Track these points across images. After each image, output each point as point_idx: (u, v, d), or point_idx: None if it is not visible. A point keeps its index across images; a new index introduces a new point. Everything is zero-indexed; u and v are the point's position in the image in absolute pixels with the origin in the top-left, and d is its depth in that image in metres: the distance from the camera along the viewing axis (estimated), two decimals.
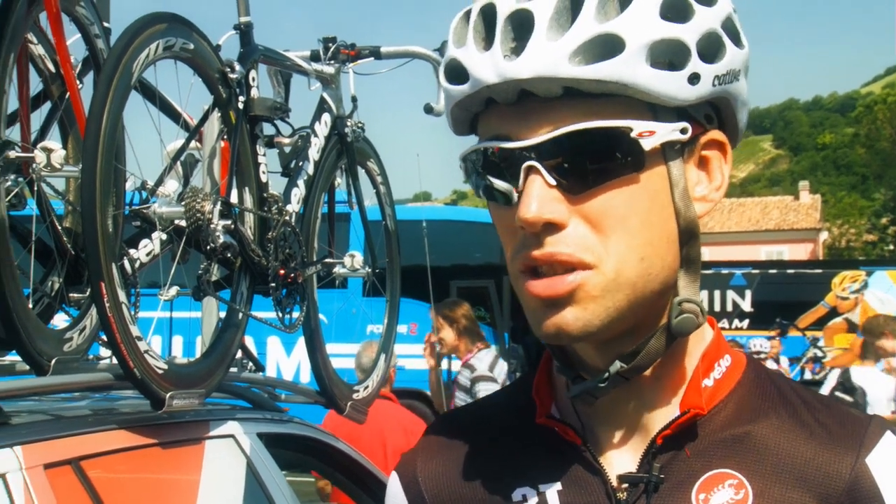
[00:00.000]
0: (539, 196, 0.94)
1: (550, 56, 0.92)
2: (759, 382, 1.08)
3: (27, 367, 2.15)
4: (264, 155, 2.70)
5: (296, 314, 2.83)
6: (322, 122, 3.08)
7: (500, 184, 0.99)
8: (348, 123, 3.20)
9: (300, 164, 2.93)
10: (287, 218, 2.73)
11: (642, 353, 1.00)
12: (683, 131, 0.97)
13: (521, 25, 0.95)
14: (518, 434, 1.11)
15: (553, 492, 1.04)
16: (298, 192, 2.87)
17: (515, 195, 0.97)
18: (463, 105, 1.01)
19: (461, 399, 5.97)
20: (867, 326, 7.54)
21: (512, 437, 1.12)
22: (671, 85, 0.94)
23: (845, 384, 8.87)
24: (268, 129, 2.79)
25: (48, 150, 2.02)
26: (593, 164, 0.94)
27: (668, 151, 0.97)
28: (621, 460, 1.04)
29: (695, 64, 0.94)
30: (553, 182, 0.95)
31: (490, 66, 0.95)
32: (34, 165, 2.08)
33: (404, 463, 1.19)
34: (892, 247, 46.28)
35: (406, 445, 5.28)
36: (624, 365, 1.00)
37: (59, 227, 2.38)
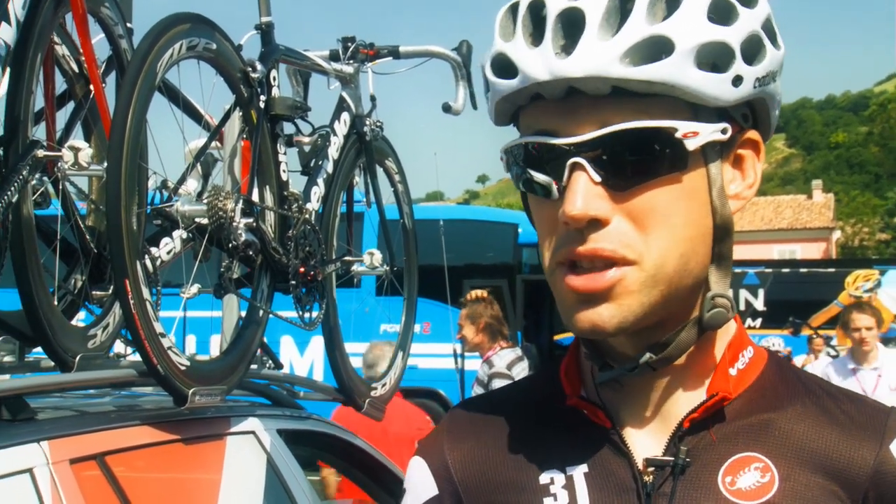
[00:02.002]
0: (584, 192, 0.96)
1: (602, 56, 0.94)
2: (781, 373, 1.10)
3: (52, 364, 2.18)
4: (285, 154, 2.72)
5: (315, 312, 2.85)
6: (341, 121, 3.09)
7: (541, 177, 1.00)
8: (367, 122, 3.22)
9: (320, 162, 2.95)
10: (307, 216, 2.75)
11: (673, 345, 1.02)
12: (724, 132, 0.99)
13: (572, 23, 0.96)
14: (543, 418, 1.13)
15: (580, 474, 1.06)
16: (318, 191, 2.89)
17: (556, 189, 0.99)
18: (509, 99, 1.03)
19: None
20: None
21: (537, 420, 1.13)
22: (716, 87, 0.96)
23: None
24: (288, 127, 2.81)
25: (76, 149, 2.04)
26: (638, 162, 0.96)
27: (709, 151, 1.00)
28: (646, 444, 1.06)
29: (738, 66, 0.96)
30: (598, 179, 0.96)
31: (541, 62, 0.96)
32: (59, 164, 2.11)
33: (429, 447, 1.19)
34: None
35: (407, 433, 5.35)
36: (653, 355, 1.02)
37: (82, 226, 2.40)
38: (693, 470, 1.03)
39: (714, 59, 0.95)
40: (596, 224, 0.97)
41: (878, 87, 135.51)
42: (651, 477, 1.03)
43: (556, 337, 15.20)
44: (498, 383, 5.85)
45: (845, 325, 6.74)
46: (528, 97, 1.01)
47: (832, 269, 19.27)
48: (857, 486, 1.00)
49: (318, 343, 12.43)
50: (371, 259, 3.24)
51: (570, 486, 1.05)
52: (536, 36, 0.99)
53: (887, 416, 1.04)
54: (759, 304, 16.80)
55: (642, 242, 0.97)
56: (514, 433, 1.13)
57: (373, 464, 3.35)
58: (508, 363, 6.00)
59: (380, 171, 3.42)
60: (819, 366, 8.79)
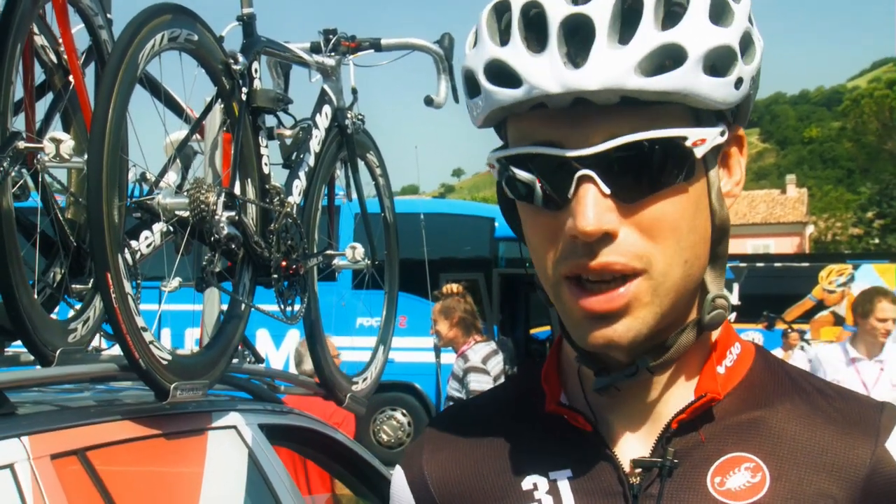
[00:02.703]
0: (595, 206, 0.93)
1: (617, 67, 0.90)
2: (770, 370, 1.09)
3: (31, 358, 2.15)
4: (266, 146, 2.70)
5: (297, 306, 2.84)
6: (323, 113, 3.08)
7: (543, 188, 0.97)
8: (348, 115, 3.20)
9: (301, 155, 2.93)
10: (289, 210, 2.73)
11: (674, 348, 1.01)
12: (723, 134, 0.98)
13: (577, 31, 0.92)
14: (526, 423, 1.11)
15: (564, 478, 1.04)
16: (300, 184, 2.88)
17: (558, 200, 0.96)
18: (507, 108, 0.98)
19: (454, 389, 6.01)
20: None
21: (519, 426, 1.12)
22: (723, 91, 0.94)
23: None
24: (269, 120, 2.79)
25: (57, 141, 2.02)
26: (648, 173, 0.94)
27: (709, 156, 0.98)
28: (633, 446, 1.05)
29: (739, 68, 0.95)
30: (607, 191, 0.94)
31: (549, 73, 0.92)
32: (39, 156, 2.08)
33: (409, 457, 1.18)
34: (877, 240, 46.48)
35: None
36: (652, 360, 1.01)
37: (62, 219, 2.38)
38: (681, 471, 1.01)
39: (719, 63, 0.94)
40: (606, 237, 0.94)
41: (851, 82, 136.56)
42: (638, 479, 1.02)
43: (532, 331, 15.24)
44: (473, 377, 5.86)
45: (866, 311, 5.98)
46: (528, 106, 0.96)
47: (806, 264, 19.42)
48: (852, 485, 0.98)
49: (293, 337, 12.41)
50: (353, 253, 3.23)
51: (554, 491, 1.04)
52: (535, 42, 0.94)
53: (880, 413, 1.03)
54: (733, 299, 16.90)
55: (650, 250, 0.95)
56: (495, 440, 1.12)
57: (353, 458, 3.34)
58: (483, 357, 6.01)
59: (361, 164, 3.40)
60: (797, 360, 8.58)
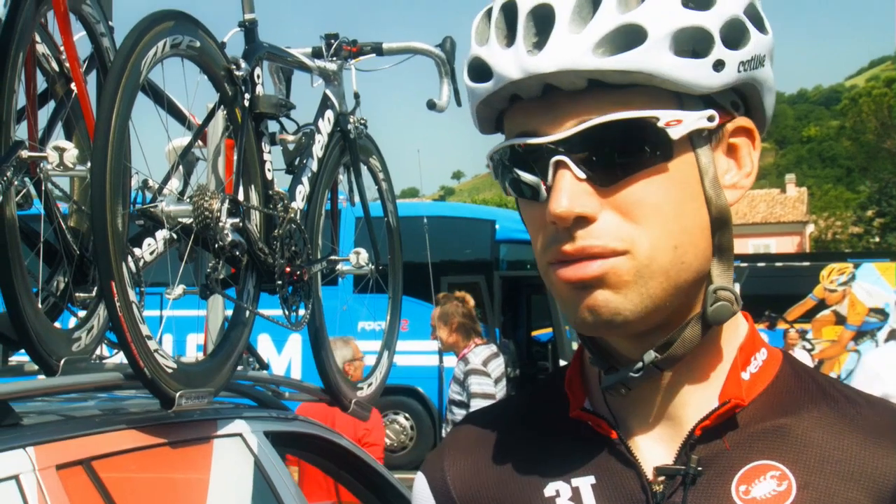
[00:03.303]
0: (569, 190, 0.94)
1: (573, 49, 0.92)
2: (797, 376, 1.07)
3: (35, 368, 2.14)
4: (269, 152, 2.69)
5: (301, 312, 2.83)
6: (325, 118, 3.07)
7: (528, 178, 0.99)
8: (351, 120, 3.20)
9: (304, 161, 2.92)
10: (292, 215, 2.72)
11: (677, 342, 0.99)
12: (710, 119, 0.96)
13: (543, 20, 0.94)
14: (548, 429, 1.10)
15: (587, 485, 1.03)
16: (303, 190, 2.87)
17: (544, 190, 0.97)
18: (488, 102, 1.01)
19: (455, 392, 6.01)
20: None
21: (542, 432, 1.11)
22: (696, 73, 0.94)
23: None
24: (272, 126, 2.78)
25: (60, 150, 2.01)
26: (622, 155, 0.94)
27: (697, 140, 0.97)
28: (656, 453, 1.03)
29: (719, 51, 0.94)
30: (582, 175, 0.94)
31: (513, 61, 0.95)
32: (42, 165, 2.07)
33: (431, 462, 1.17)
34: (877, 239, 46.48)
35: (353, 433, 5.42)
36: (658, 355, 0.99)
37: (65, 227, 2.37)
38: (705, 479, 1.00)
39: (693, 45, 0.93)
40: (583, 221, 0.94)
41: (849, 81, 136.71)
42: (661, 486, 1.01)
43: (534, 333, 15.24)
44: (474, 379, 5.87)
45: None
46: (506, 99, 0.99)
47: (807, 263, 19.43)
48: (881, 495, 0.96)
49: (295, 342, 12.41)
50: (357, 258, 3.22)
51: (576, 497, 1.03)
52: (510, 37, 0.97)
53: None
54: None
55: (633, 233, 0.95)
56: (517, 445, 1.11)
57: (358, 464, 3.33)
58: (484, 359, 6.01)
59: (364, 169, 3.40)
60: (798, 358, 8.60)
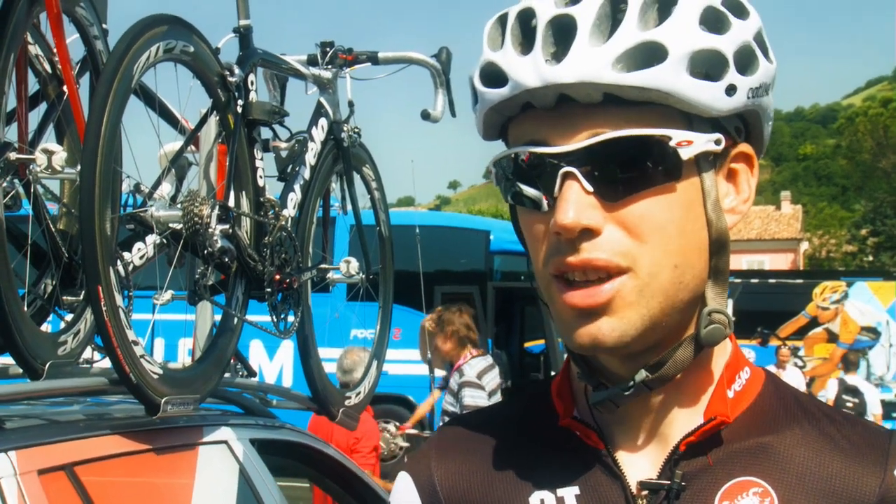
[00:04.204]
0: (576, 202, 0.94)
1: (594, 61, 0.92)
2: (779, 395, 1.08)
3: (20, 371, 2.13)
4: (262, 159, 2.68)
5: (290, 319, 2.81)
6: (319, 126, 3.06)
7: (531, 190, 0.99)
8: (345, 128, 3.19)
9: (297, 168, 2.91)
10: (283, 223, 2.71)
11: (669, 363, 1.00)
12: (718, 142, 0.97)
13: (562, 31, 0.95)
14: (535, 437, 1.10)
15: (571, 495, 1.03)
16: (295, 197, 2.86)
17: (545, 202, 0.97)
18: (498, 109, 1.01)
19: (449, 403, 5.99)
20: None
21: (529, 440, 1.11)
22: (710, 95, 0.94)
23: (848, 388, 9.34)
24: (265, 133, 2.77)
25: (49, 153, 2.00)
26: (630, 171, 0.95)
27: (702, 162, 0.98)
28: (640, 467, 1.04)
29: (732, 75, 0.95)
30: (590, 188, 0.95)
31: (531, 69, 0.95)
32: (31, 167, 2.06)
33: (416, 462, 1.16)
34: (871, 258, 46.59)
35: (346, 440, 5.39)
36: (649, 374, 1.00)
37: (53, 230, 2.36)
38: (689, 494, 1.00)
39: (707, 67, 0.94)
40: (588, 234, 0.95)
41: (846, 100, 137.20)
42: (645, 501, 1.01)
43: (527, 344, 15.22)
44: (468, 392, 5.85)
45: None
46: (517, 107, 0.99)
47: (800, 281, 19.45)
48: None
49: (287, 349, 12.38)
50: (347, 267, 3.21)
51: None
52: (526, 44, 0.97)
53: (889, 441, 1.02)
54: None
55: (636, 249, 0.95)
56: (504, 452, 1.11)
57: (345, 474, 3.31)
58: (479, 372, 6.00)
59: (356, 177, 3.39)
60: (789, 376, 8.92)
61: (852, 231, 49.71)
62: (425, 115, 3.15)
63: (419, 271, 7.97)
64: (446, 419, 6.02)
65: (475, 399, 5.80)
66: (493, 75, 0.99)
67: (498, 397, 6.10)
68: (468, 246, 13.65)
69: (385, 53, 3.21)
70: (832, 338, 17.94)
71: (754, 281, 18.28)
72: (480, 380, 5.94)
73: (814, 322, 18.06)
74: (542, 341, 13.66)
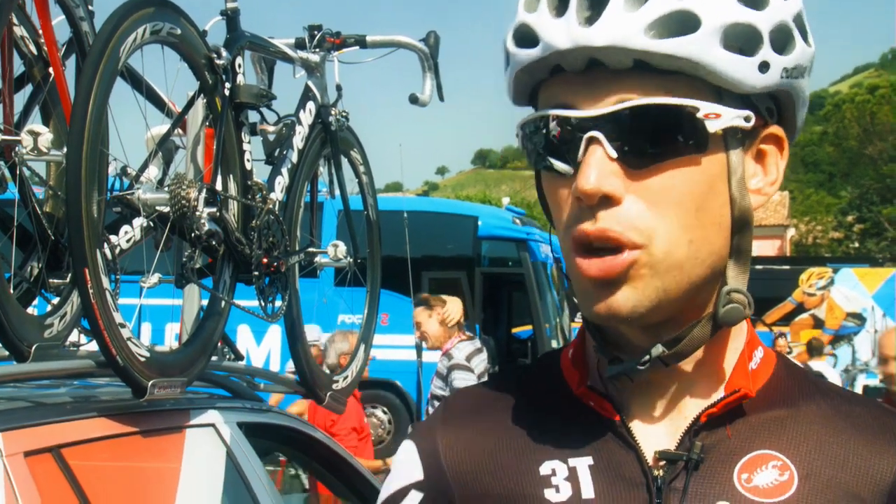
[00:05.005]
0: (599, 168, 0.93)
1: (626, 27, 0.92)
2: (793, 374, 1.08)
3: (6, 353, 2.12)
4: (249, 142, 2.68)
5: (278, 303, 2.81)
6: (307, 110, 3.05)
7: (555, 154, 0.98)
8: (332, 112, 3.18)
9: (284, 152, 2.91)
10: (271, 206, 2.71)
11: (686, 340, 0.99)
12: (747, 119, 0.96)
13: None
14: (545, 407, 1.09)
15: (584, 466, 1.02)
16: (282, 181, 2.85)
17: (569, 167, 0.97)
18: (528, 70, 1.00)
19: (438, 387, 6.01)
20: None
21: (538, 409, 1.09)
22: (741, 70, 0.94)
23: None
24: (252, 116, 2.76)
25: (35, 134, 1.99)
26: (656, 140, 0.94)
27: (730, 138, 0.97)
28: (656, 438, 1.03)
29: (766, 52, 0.94)
30: (614, 155, 0.94)
31: (564, 31, 0.95)
32: (17, 149, 2.05)
33: (421, 431, 1.15)
34: (857, 244, 46.79)
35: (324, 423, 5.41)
36: (665, 350, 0.99)
37: (40, 212, 2.35)
38: (707, 465, 1.00)
39: (741, 42, 0.94)
40: (608, 202, 0.94)
41: (833, 87, 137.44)
42: (662, 471, 1.00)
43: (514, 330, 15.26)
44: (458, 375, 5.87)
45: None
46: (547, 69, 0.99)
47: (787, 267, 19.54)
48: (879, 491, 0.97)
49: (275, 333, 12.37)
50: (335, 251, 3.21)
51: (573, 477, 1.02)
52: (561, 7, 0.97)
53: None
54: None
55: (652, 225, 0.94)
56: (513, 421, 1.09)
57: (333, 457, 3.32)
58: (467, 355, 6.03)
59: (344, 161, 3.38)
60: None
61: (839, 218, 49.91)
62: (413, 100, 3.14)
63: (407, 256, 7.97)
64: (435, 403, 6.04)
65: (466, 382, 5.81)
66: (526, 36, 0.99)
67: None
68: (456, 231, 13.64)
69: (373, 37, 3.20)
70: (818, 324, 18.05)
71: None
72: (469, 363, 5.97)
73: (800, 308, 18.16)
74: (529, 327, 13.69)
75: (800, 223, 51.36)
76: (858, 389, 13.58)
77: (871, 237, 45.77)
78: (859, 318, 18.07)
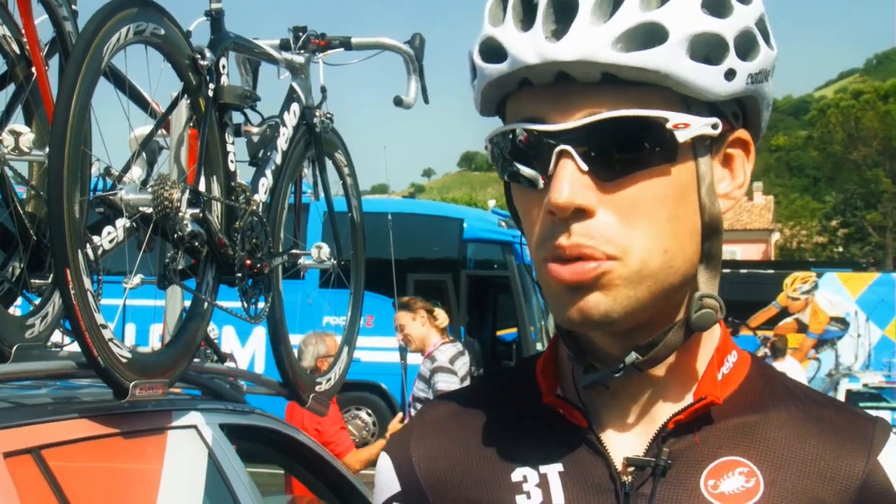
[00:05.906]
0: (571, 181, 0.93)
1: (594, 40, 0.92)
2: (766, 378, 1.09)
3: None
4: (233, 143, 2.67)
5: (261, 305, 2.81)
6: (291, 111, 3.05)
7: (526, 168, 0.98)
8: (317, 114, 3.18)
9: (268, 153, 2.90)
10: (254, 208, 2.71)
11: (660, 346, 1.00)
12: (715, 126, 0.97)
13: (564, 9, 0.94)
14: (518, 415, 1.10)
15: (554, 472, 1.03)
16: (266, 182, 2.85)
17: (541, 180, 0.97)
18: (496, 84, 1.00)
19: (420, 389, 6.01)
20: None
21: (512, 418, 1.10)
22: (708, 79, 0.94)
23: None
24: (237, 117, 2.75)
25: (16, 134, 1.99)
26: (626, 152, 0.94)
27: (698, 146, 0.98)
28: (625, 444, 1.04)
29: (731, 60, 0.95)
30: (585, 168, 0.94)
31: (531, 46, 0.95)
32: None
33: (395, 443, 1.16)
34: (841, 249, 47.04)
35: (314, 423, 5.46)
36: (639, 356, 1.00)
37: (22, 212, 2.34)
38: (675, 472, 1.01)
39: (707, 51, 0.94)
40: (581, 215, 0.94)
41: (819, 91, 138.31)
42: (630, 477, 1.01)
43: (499, 333, 15.29)
44: (441, 377, 5.88)
45: None
46: (516, 83, 0.99)
47: (771, 271, 19.64)
48: (845, 495, 0.98)
49: (259, 335, 12.35)
50: (318, 253, 3.21)
51: (544, 484, 1.03)
52: (527, 21, 0.97)
53: (873, 426, 1.03)
54: None
55: (626, 238, 0.95)
56: (486, 430, 1.10)
57: (315, 460, 3.31)
58: (450, 357, 6.04)
59: (329, 163, 3.38)
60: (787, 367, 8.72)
61: (823, 222, 50.15)
62: (398, 102, 3.15)
63: (391, 258, 7.97)
64: (417, 405, 6.04)
65: (448, 384, 5.82)
66: (493, 50, 0.99)
67: (468, 383, 6.13)
68: (441, 234, 13.67)
69: (358, 39, 3.20)
70: (802, 328, 18.14)
71: (726, 271, 18.30)
72: (452, 365, 5.98)
73: (784, 312, 18.25)
74: (514, 329, 13.71)
75: (784, 227, 51.59)
76: (841, 394, 13.64)
77: (855, 242, 46.04)
78: (843, 323, 18.17)
